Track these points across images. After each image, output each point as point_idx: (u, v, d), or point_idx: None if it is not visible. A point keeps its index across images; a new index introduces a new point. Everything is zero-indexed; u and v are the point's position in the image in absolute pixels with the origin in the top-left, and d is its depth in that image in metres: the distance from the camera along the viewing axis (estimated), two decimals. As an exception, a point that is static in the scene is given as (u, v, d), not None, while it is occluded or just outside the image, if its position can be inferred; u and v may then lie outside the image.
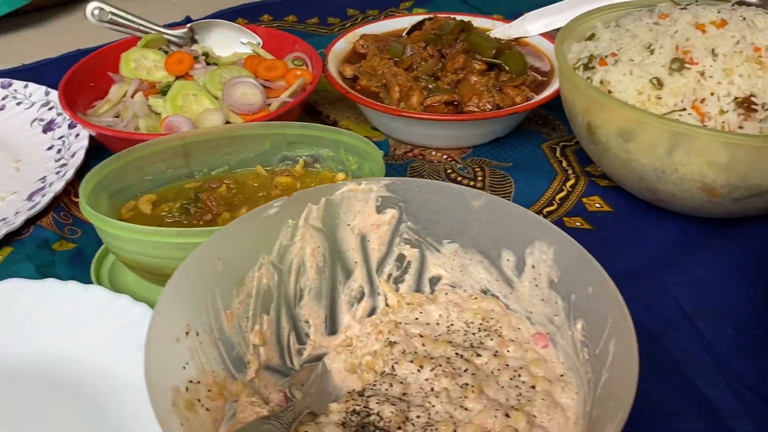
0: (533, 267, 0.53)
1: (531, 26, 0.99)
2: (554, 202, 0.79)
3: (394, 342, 0.54)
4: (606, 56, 0.76)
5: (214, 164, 0.76)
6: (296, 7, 1.31)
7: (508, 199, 0.79)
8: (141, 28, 0.96)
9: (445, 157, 0.88)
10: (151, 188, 0.73)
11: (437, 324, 0.56)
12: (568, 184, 0.82)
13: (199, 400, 0.47)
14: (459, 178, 0.82)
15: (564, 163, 0.86)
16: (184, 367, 0.47)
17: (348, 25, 1.26)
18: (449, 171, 0.83)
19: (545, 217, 0.77)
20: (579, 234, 0.75)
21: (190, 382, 0.47)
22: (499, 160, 0.87)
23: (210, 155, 0.75)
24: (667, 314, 0.63)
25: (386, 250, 0.59)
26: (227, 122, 0.83)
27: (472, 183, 0.82)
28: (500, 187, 0.81)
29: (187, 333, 0.48)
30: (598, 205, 0.79)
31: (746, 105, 0.67)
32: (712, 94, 0.68)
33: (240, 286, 0.53)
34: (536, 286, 0.53)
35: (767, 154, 0.63)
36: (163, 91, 0.86)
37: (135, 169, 0.72)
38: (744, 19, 0.73)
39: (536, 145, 0.90)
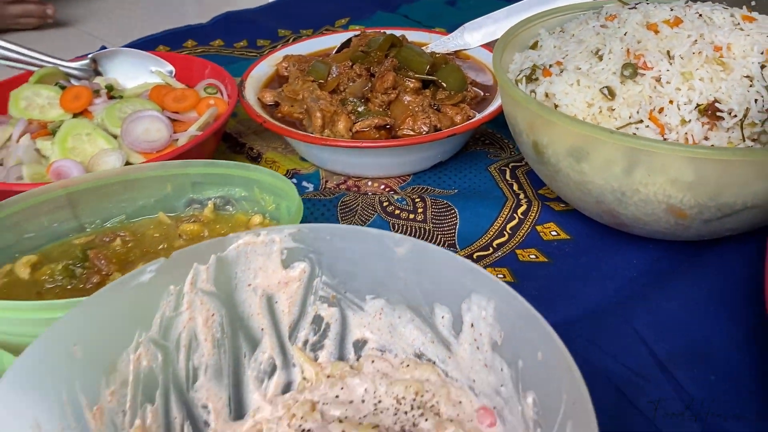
0: (472, 326, 0.44)
1: (471, 37, 0.90)
2: (505, 232, 0.70)
3: (309, 430, 0.44)
4: (550, 65, 0.67)
5: (108, 214, 0.65)
6: (222, 31, 1.21)
7: (453, 233, 0.70)
8: (34, 61, 0.85)
9: (382, 187, 0.78)
10: (31, 248, 0.62)
11: (362, 401, 0.46)
12: (520, 210, 0.72)
13: None
14: (397, 211, 0.72)
15: (515, 186, 0.77)
16: (23, 495, 0.36)
17: (279, 47, 1.16)
18: (385, 204, 0.73)
19: (495, 250, 0.68)
20: (535, 269, 0.66)
21: None
22: (443, 187, 0.78)
23: (101, 204, 0.65)
24: (638, 362, 0.54)
25: (299, 312, 0.49)
26: (128, 163, 0.72)
27: (411, 216, 0.72)
28: (443, 219, 0.71)
29: (30, 447, 0.37)
30: (554, 233, 0.70)
31: (710, 112, 0.58)
32: (671, 102, 0.59)
33: (111, 374, 0.42)
34: (477, 349, 0.44)
35: (738, 169, 0.54)
36: (55, 132, 0.75)
37: (9, 227, 0.61)
38: (700, 15, 0.64)
39: (483, 168, 0.80)
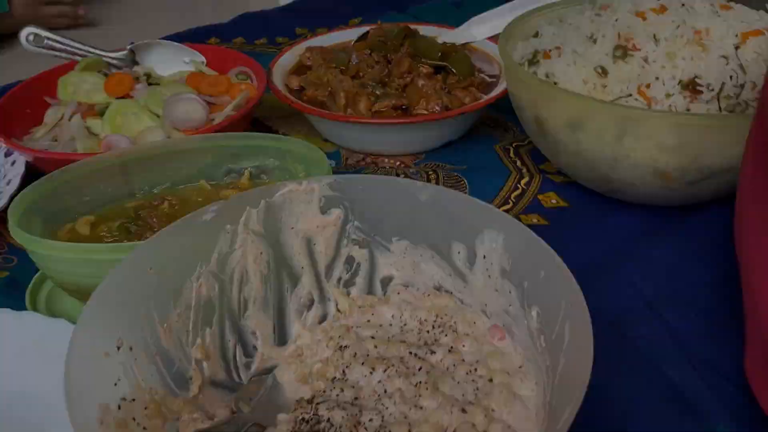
0: (484, 257, 0.51)
1: (477, 31, 0.98)
2: (510, 200, 0.78)
3: (345, 346, 0.52)
4: (550, 50, 0.75)
5: (156, 181, 0.73)
6: (243, 29, 1.30)
7: (463, 201, 0.78)
8: (79, 51, 0.94)
9: (398, 163, 0.86)
10: (89, 209, 0.69)
11: (390, 325, 0.54)
12: (523, 181, 0.80)
13: (134, 419, 0.43)
14: (412, 183, 0.80)
15: (518, 163, 0.85)
16: (115, 384, 0.43)
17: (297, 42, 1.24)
18: (402, 176, 0.81)
19: (501, 216, 0.75)
20: (535, 230, 0.73)
21: (123, 399, 0.43)
22: (453, 163, 0.86)
23: (150, 172, 0.72)
24: (629, 303, 0.61)
25: (334, 253, 0.57)
26: (169, 139, 0.80)
27: (425, 187, 0.80)
28: (454, 188, 0.79)
29: (118, 348, 0.45)
30: (554, 201, 0.77)
31: (691, 87, 0.66)
32: (657, 78, 0.67)
33: (178, 298, 0.50)
34: (489, 277, 0.51)
35: (715, 134, 0.62)
36: (102, 112, 0.83)
37: (71, 191, 0.68)
38: (683, 4, 0.73)
39: (490, 147, 0.88)
